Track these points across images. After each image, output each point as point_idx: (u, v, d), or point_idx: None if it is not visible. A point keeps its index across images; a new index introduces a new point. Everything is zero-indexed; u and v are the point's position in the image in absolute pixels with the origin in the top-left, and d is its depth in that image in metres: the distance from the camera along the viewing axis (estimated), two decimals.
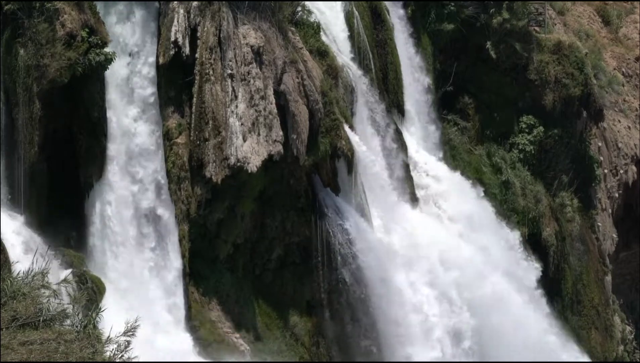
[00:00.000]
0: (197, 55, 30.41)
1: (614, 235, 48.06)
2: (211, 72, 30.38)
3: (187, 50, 30.10)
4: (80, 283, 26.55)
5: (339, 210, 34.03)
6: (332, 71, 34.89)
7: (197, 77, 30.32)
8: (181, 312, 30.19)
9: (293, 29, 33.38)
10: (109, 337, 14.04)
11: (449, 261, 36.86)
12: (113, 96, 29.18)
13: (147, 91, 29.91)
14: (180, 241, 30.35)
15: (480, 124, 43.05)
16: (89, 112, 28.20)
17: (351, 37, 37.11)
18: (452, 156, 41.40)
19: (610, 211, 47.86)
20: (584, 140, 45.35)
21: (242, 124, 30.58)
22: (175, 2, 30.20)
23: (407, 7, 40.53)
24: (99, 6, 28.73)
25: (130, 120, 29.70)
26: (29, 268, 14.98)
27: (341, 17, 37.14)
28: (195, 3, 30.42)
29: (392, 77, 38.80)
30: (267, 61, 31.41)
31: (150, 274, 29.82)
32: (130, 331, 14.07)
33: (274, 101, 31.29)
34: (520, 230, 41.70)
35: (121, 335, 14.05)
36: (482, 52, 42.82)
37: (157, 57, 29.90)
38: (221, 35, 30.64)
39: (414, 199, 38.05)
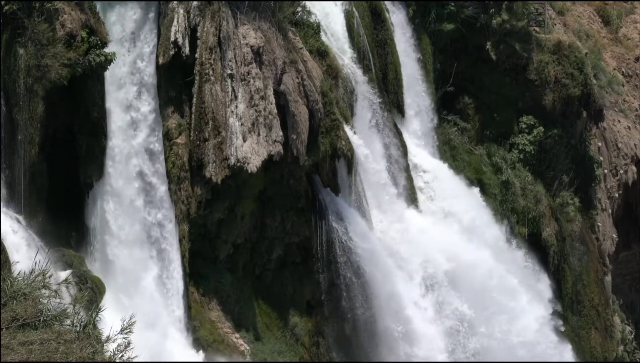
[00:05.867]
0: (197, 55, 30.41)
1: (614, 235, 48.05)
2: (211, 72, 30.38)
3: (187, 50, 30.10)
4: (80, 283, 26.54)
5: (339, 210, 34.04)
6: (332, 71, 34.91)
7: (197, 77, 30.33)
8: (181, 312, 30.18)
9: (293, 29, 33.38)
10: (108, 336, 14.05)
11: (449, 261, 36.85)
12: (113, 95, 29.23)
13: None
14: (180, 241, 30.35)
15: (480, 124, 43.03)
16: (89, 112, 28.20)
17: (351, 37, 37.11)
18: (452, 156, 41.40)
19: (610, 211, 47.85)
20: (584, 140, 45.34)
21: (242, 124, 30.59)
22: (175, 2, 30.20)
23: (408, 7, 40.54)
24: (99, 6, 28.74)
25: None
26: (31, 269, 14.98)
27: (341, 17, 37.14)
28: (195, 3, 30.41)
29: (392, 77, 38.80)
30: (267, 61, 31.42)
31: (150, 274, 29.81)
32: (127, 328, 14.07)
33: (273, 101, 31.30)
34: (520, 230, 41.71)
35: (118, 333, 14.05)
36: (482, 52, 42.82)
37: (157, 57, 29.90)
38: (221, 36, 30.65)
39: (413, 200, 38.06)
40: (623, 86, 50.41)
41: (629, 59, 51.93)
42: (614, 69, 50.76)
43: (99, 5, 28.66)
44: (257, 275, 33.39)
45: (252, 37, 31.23)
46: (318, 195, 33.94)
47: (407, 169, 37.84)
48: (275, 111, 31.19)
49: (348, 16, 37.18)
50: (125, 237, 29.43)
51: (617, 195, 48.59)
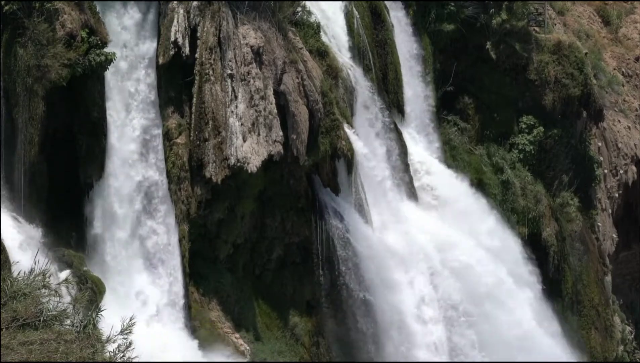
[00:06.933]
0: (197, 55, 30.41)
1: (614, 235, 48.07)
2: (211, 72, 30.38)
3: (187, 50, 30.10)
4: (80, 283, 26.54)
5: (339, 210, 34.04)
6: (332, 71, 34.91)
7: (197, 77, 30.32)
8: (181, 312, 30.18)
9: (293, 29, 33.39)
10: (108, 337, 14.05)
11: (449, 261, 36.87)
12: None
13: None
14: (180, 241, 30.34)
15: (480, 124, 43.05)
16: (89, 112, 28.19)
17: (351, 37, 37.13)
18: (452, 156, 41.41)
19: (610, 211, 47.88)
20: (584, 140, 45.36)
21: (242, 124, 30.59)
22: (175, 2, 30.20)
23: (408, 7, 40.56)
24: (99, 6, 28.73)
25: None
26: (31, 269, 14.97)
27: (341, 17, 37.16)
28: (195, 3, 30.42)
29: (392, 77, 38.82)
30: (267, 61, 31.42)
31: (150, 274, 29.81)
32: (127, 329, 14.07)
33: (274, 101, 31.29)
34: (520, 230, 41.72)
35: (118, 334, 14.05)
36: (482, 52, 42.85)
37: (157, 57, 29.90)
38: (221, 36, 30.65)
39: (413, 199, 38.06)
40: (623, 86, 50.44)
41: (629, 59, 51.97)
42: (614, 69, 50.79)
43: (99, 5, 28.66)
44: (257, 275, 33.39)
45: (252, 37, 31.23)
46: (318, 195, 33.94)
47: (407, 170, 37.85)
48: (275, 111, 31.20)
49: (348, 16, 37.19)
50: (125, 237, 29.43)
51: (617, 195, 48.61)
